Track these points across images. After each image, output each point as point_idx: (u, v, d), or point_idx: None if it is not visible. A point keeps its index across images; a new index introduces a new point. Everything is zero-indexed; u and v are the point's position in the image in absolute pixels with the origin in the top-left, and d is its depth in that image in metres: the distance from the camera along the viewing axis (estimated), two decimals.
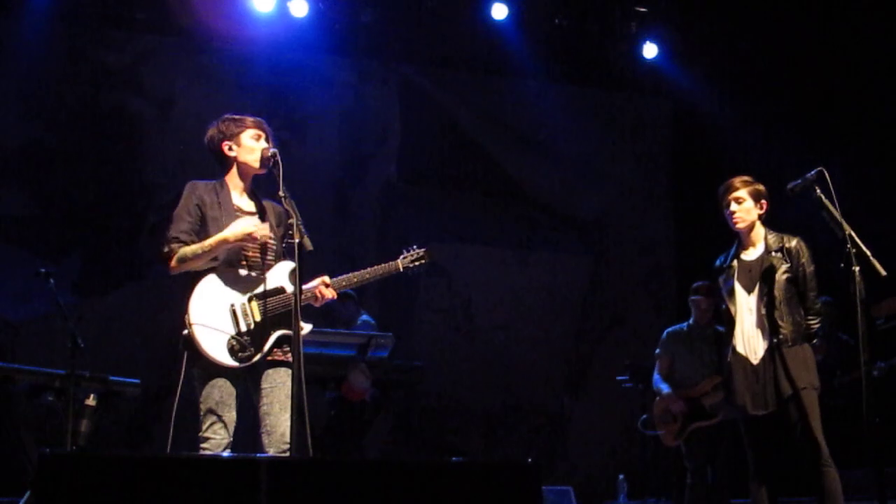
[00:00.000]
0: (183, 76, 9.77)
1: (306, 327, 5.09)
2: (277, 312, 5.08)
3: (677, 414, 7.71)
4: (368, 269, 5.44)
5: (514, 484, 3.85)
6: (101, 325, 8.84)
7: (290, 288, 5.09)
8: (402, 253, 5.59)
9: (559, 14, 10.03)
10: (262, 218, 5.24)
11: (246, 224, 5.09)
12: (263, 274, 5.10)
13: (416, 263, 5.59)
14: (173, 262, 5.06)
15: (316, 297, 5.22)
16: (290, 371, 4.82)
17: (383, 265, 5.50)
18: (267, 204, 5.26)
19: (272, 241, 5.21)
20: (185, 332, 4.96)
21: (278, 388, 5.03)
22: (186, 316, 4.97)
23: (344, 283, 5.35)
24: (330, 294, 5.25)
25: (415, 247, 5.61)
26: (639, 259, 11.13)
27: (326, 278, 5.25)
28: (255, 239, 5.09)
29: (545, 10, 10.05)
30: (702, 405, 7.66)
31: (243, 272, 5.11)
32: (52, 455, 3.29)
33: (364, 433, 8.51)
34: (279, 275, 5.14)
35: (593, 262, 11.02)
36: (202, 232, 5.13)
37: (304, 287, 5.15)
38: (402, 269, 5.53)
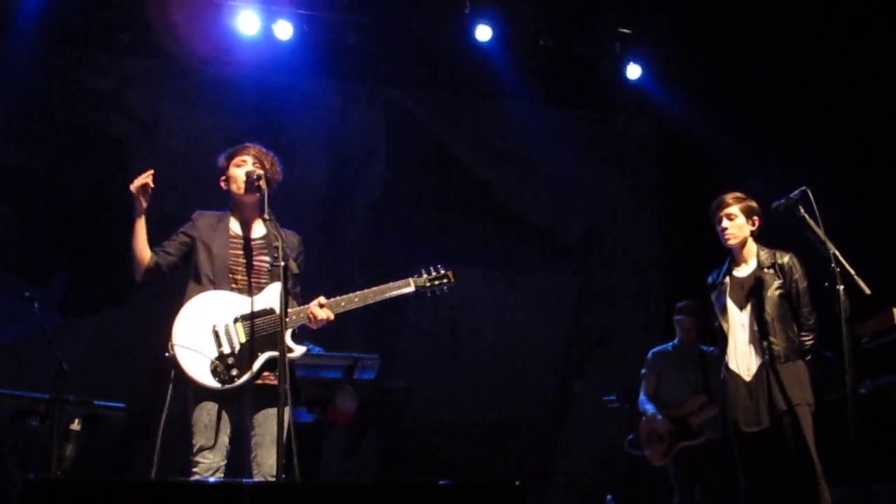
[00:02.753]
0: (168, 99, 9.76)
1: (298, 350, 5.07)
2: (265, 333, 5.04)
3: (664, 434, 7.71)
4: (373, 287, 5.25)
5: None
6: (85, 347, 8.81)
7: (279, 309, 5.05)
8: (418, 272, 5.39)
9: (543, 35, 10.05)
10: (256, 244, 5.23)
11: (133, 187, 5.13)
12: (252, 295, 5.09)
13: (437, 283, 5.39)
14: (132, 270, 5.21)
15: (310, 319, 5.17)
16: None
17: (391, 284, 5.30)
18: (279, 233, 5.05)
19: (263, 264, 5.20)
20: (168, 353, 4.95)
21: (270, 419, 5.00)
22: (170, 337, 4.97)
23: (343, 304, 5.19)
24: (325, 315, 5.13)
25: (439, 266, 5.44)
26: (626, 279, 11.14)
27: (322, 298, 5.17)
28: (147, 188, 5.09)
29: (529, 31, 10.08)
30: (688, 425, 7.66)
31: (232, 294, 5.10)
32: (36, 480, 3.28)
33: (352, 454, 8.48)
34: (269, 296, 5.12)
35: (580, 282, 11.02)
36: (188, 256, 5.17)
37: (299, 308, 5.13)
38: (415, 289, 5.34)
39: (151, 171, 5.13)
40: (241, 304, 5.07)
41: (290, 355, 4.95)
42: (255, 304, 5.06)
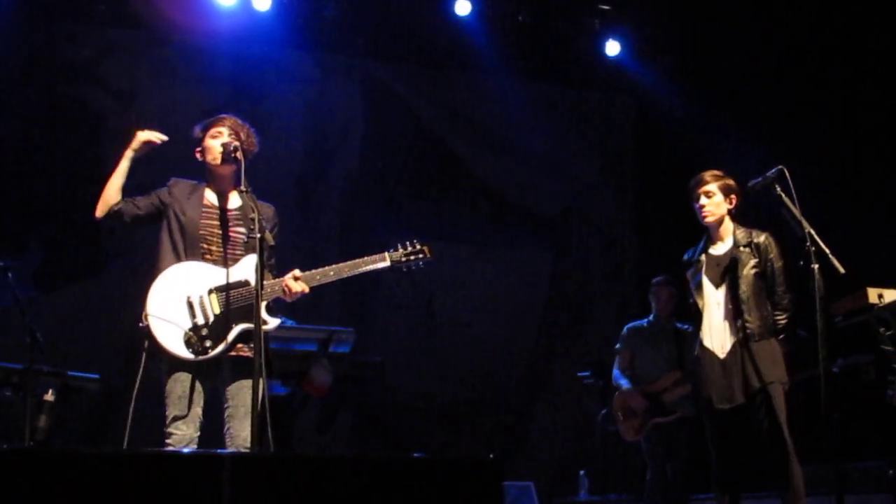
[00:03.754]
0: (144, 70, 9.69)
1: (273, 322, 5.06)
2: (239, 305, 5.02)
3: (638, 409, 7.74)
4: (348, 262, 5.23)
5: (475, 480, 3.86)
6: (60, 319, 8.76)
7: (254, 280, 5.02)
8: (394, 247, 5.36)
9: (522, 11, 10.05)
10: (232, 215, 5.21)
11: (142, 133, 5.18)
12: (227, 267, 5.07)
13: (412, 258, 5.36)
14: (98, 204, 5.23)
15: (285, 292, 5.15)
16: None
17: (366, 258, 5.27)
18: (256, 204, 5.00)
19: (238, 235, 5.18)
20: (142, 324, 4.94)
21: (244, 391, 4.99)
22: (144, 308, 4.95)
23: (318, 278, 5.17)
24: (299, 288, 5.10)
25: (414, 241, 5.41)
26: (601, 255, 11.18)
27: (297, 271, 5.14)
28: (152, 144, 5.18)
29: (508, 6, 10.07)
30: (662, 401, 7.70)
31: (207, 265, 5.08)
32: (9, 450, 3.26)
33: (326, 428, 8.48)
34: (245, 268, 5.09)
35: (556, 258, 11.05)
36: (155, 219, 5.20)
37: (274, 281, 5.12)
38: (390, 264, 5.31)
39: (166, 138, 5.21)
40: (215, 275, 5.05)
41: (264, 327, 4.94)
42: (230, 276, 5.04)
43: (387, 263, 5.32)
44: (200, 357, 4.93)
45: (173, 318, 4.94)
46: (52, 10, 9.30)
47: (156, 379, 5.04)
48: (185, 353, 4.92)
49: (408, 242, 5.40)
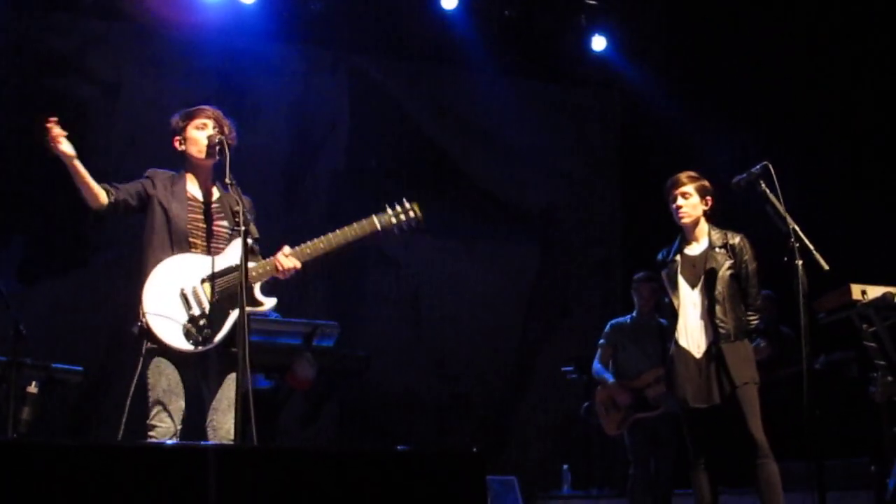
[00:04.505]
0: (130, 62, 9.66)
1: (269, 302, 5.06)
2: (233, 291, 5.00)
3: (622, 404, 7.76)
4: (337, 231, 5.16)
5: (459, 473, 3.86)
6: (43, 311, 8.74)
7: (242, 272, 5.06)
8: (382, 210, 5.28)
9: (509, 6, 10.06)
10: (214, 208, 5.20)
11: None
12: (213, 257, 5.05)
13: (403, 219, 5.30)
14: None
15: (277, 269, 5.12)
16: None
17: (355, 224, 5.20)
18: (229, 196, 5.07)
19: (222, 229, 5.17)
20: (140, 323, 4.91)
21: (227, 384, 4.99)
22: (140, 306, 4.92)
23: (308, 251, 5.13)
24: (291, 263, 5.08)
25: (403, 200, 5.33)
26: (586, 251, 11.20)
27: (287, 248, 5.13)
28: (56, 138, 4.89)
29: (495, 1, 10.07)
30: (645, 397, 7.72)
31: (194, 256, 5.06)
32: None
33: (311, 422, 8.47)
34: (232, 254, 5.06)
35: (540, 253, 11.07)
36: (142, 210, 5.11)
37: (265, 261, 5.11)
38: (380, 228, 5.24)
39: (54, 119, 4.94)
40: (204, 265, 5.03)
41: (261, 308, 4.96)
42: (220, 264, 5.03)
43: (377, 228, 5.25)
44: (202, 347, 4.91)
45: (170, 313, 4.91)
46: (36, 2, 9.26)
47: (140, 373, 5.02)
48: (187, 346, 4.90)
49: (396, 203, 5.34)
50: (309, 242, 5.15)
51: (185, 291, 4.98)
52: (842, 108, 8.75)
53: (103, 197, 5.04)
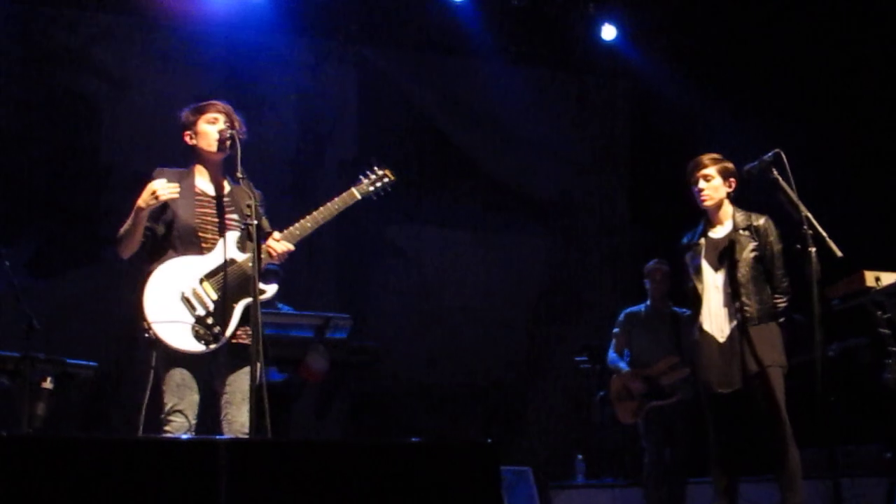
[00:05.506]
0: (138, 55, 9.65)
1: (270, 289, 5.08)
2: (233, 284, 5.02)
3: (636, 392, 7.75)
4: (320, 208, 5.26)
5: (473, 464, 3.85)
6: (56, 306, 8.74)
7: (239, 257, 5.07)
8: (357, 180, 5.42)
9: None
10: (225, 202, 5.20)
11: (153, 184, 4.95)
12: (225, 254, 5.05)
13: (378, 185, 5.45)
14: (118, 246, 5.09)
15: (270, 255, 5.13)
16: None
17: (337, 199, 5.32)
18: (239, 189, 5.12)
19: (233, 223, 5.17)
20: (147, 334, 4.90)
21: (241, 377, 5.00)
22: (144, 318, 4.91)
23: (297, 232, 5.20)
24: (283, 247, 5.13)
25: (375, 168, 5.47)
26: (597, 240, 11.17)
27: (276, 234, 5.17)
28: (157, 198, 4.91)
29: None
30: (659, 385, 7.71)
31: (187, 258, 5.04)
32: (7, 437, 3.26)
33: (323, 414, 8.47)
34: (228, 249, 5.07)
35: (552, 243, 11.05)
36: (161, 217, 5.10)
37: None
38: (360, 198, 5.38)
39: (177, 193, 5.01)
40: (200, 263, 5.03)
41: (263, 296, 4.96)
42: (214, 260, 5.03)
43: (357, 198, 5.39)
44: (213, 345, 4.92)
45: (175, 317, 4.91)
46: None
47: (155, 369, 5.02)
48: (199, 347, 4.90)
49: (368, 171, 5.48)
50: (297, 224, 5.21)
51: (185, 294, 4.97)
52: (853, 93, 8.72)
53: (137, 247, 5.09)
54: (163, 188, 4.94)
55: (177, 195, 4.99)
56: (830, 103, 8.83)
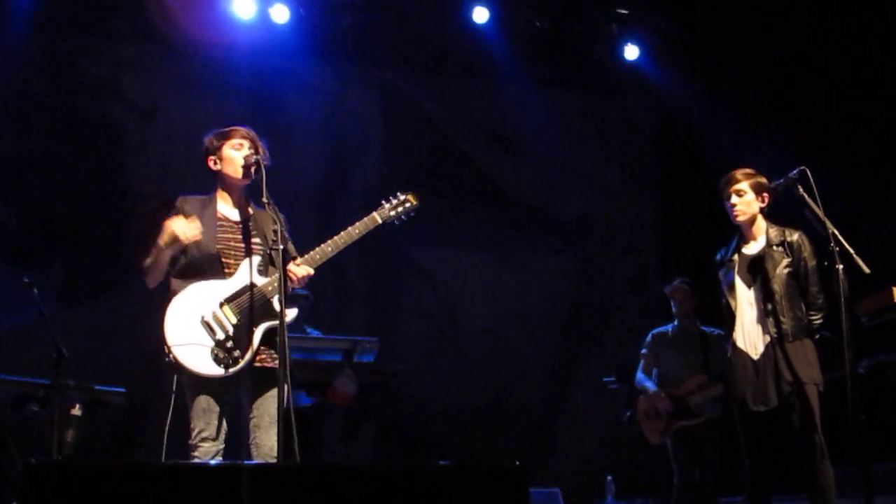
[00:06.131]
0: (164, 84, 9.73)
1: (290, 313, 5.08)
2: (254, 307, 5.04)
3: (663, 412, 7.72)
4: (341, 233, 5.27)
5: (501, 486, 3.85)
6: (85, 333, 8.78)
7: (259, 281, 5.09)
8: (380, 205, 5.42)
9: (540, 17, 10.04)
10: (251, 227, 5.22)
11: (173, 225, 5.02)
12: (251, 279, 5.07)
13: (400, 210, 5.44)
14: (144, 277, 5.14)
15: (291, 280, 5.13)
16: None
17: (358, 224, 5.32)
18: (264, 214, 5.15)
19: (257, 247, 5.19)
20: (168, 358, 4.93)
21: (268, 401, 5.02)
22: (165, 342, 4.94)
23: (318, 257, 5.21)
24: (303, 272, 5.14)
25: (398, 194, 5.47)
26: (623, 260, 11.14)
27: (297, 258, 5.19)
28: (177, 240, 4.99)
29: (526, 13, 10.06)
30: (687, 404, 7.67)
31: (208, 282, 5.06)
32: (37, 464, 3.28)
33: (351, 438, 8.48)
34: (244, 272, 5.10)
35: (577, 264, 11.03)
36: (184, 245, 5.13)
37: (277, 276, 5.12)
38: (381, 222, 5.37)
39: (198, 234, 5.07)
40: (221, 288, 5.06)
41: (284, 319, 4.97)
42: (234, 285, 5.06)
43: (378, 222, 5.40)
44: (232, 369, 4.94)
45: (195, 341, 4.94)
46: (71, 26, 9.35)
47: (184, 393, 5.05)
48: (218, 371, 4.93)
49: (391, 196, 5.47)
50: (318, 248, 5.23)
51: (205, 318, 5.00)
52: (879, 109, 8.68)
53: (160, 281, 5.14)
54: (183, 231, 4.98)
55: (199, 237, 5.03)
56: (856, 119, 8.80)
